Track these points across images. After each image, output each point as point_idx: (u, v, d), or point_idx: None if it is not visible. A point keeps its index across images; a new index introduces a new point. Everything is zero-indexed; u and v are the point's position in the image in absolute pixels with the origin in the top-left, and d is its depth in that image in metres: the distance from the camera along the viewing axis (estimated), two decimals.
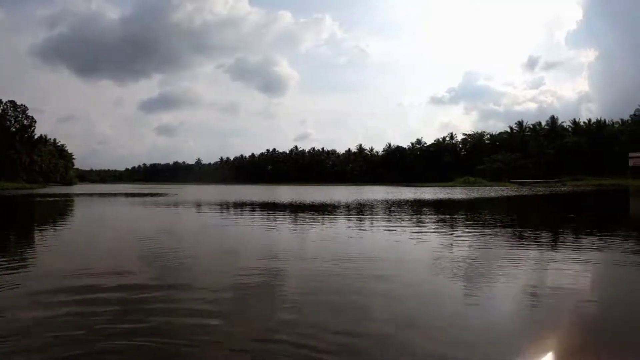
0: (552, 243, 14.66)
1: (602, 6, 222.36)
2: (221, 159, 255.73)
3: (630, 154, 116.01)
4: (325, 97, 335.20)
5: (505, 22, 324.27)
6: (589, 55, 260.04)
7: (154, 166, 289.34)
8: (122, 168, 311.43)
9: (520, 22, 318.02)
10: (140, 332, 5.72)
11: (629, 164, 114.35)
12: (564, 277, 9.20)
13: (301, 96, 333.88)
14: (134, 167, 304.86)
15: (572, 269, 9.96)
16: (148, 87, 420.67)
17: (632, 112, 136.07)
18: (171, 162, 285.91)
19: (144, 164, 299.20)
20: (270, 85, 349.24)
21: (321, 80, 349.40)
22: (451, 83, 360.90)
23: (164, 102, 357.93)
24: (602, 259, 11.43)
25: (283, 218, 24.15)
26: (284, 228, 19.10)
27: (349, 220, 22.71)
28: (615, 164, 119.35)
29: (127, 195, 61.03)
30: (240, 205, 35.24)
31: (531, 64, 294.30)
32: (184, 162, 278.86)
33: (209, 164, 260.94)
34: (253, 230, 18.69)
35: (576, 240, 15.36)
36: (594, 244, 13.83)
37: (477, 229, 18.33)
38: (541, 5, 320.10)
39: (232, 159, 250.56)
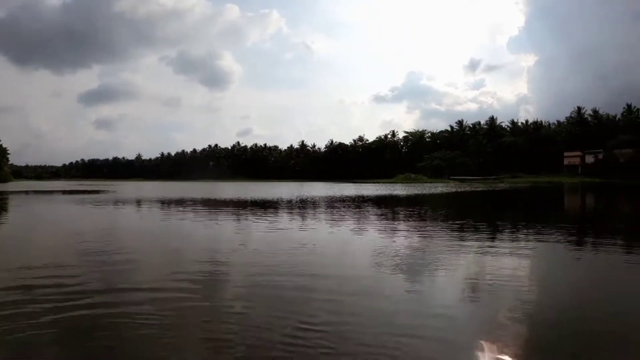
0: (491, 236, 15.03)
1: (543, 14, 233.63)
2: (162, 154, 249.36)
3: (566, 154, 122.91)
4: (269, 93, 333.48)
5: (450, 25, 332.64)
6: (528, 60, 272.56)
7: (93, 162, 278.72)
8: (59, 164, 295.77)
9: (465, 26, 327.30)
10: (77, 335, 5.59)
11: (564, 163, 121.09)
12: (502, 268, 9.55)
13: (245, 91, 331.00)
14: (71, 163, 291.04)
15: (509, 260, 10.43)
16: (87, 78, 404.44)
17: (567, 114, 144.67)
18: (110, 158, 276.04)
19: (82, 160, 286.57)
20: (214, 79, 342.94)
21: (265, 75, 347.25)
22: (395, 82, 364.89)
23: (103, 95, 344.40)
24: (538, 251, 11.93)
25: (225, 215, 23.65)
26: (226, 225, 18.76)
27: (291, 216, 22.63)
28: (551, 163, 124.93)
29: (64, 192, 58.00)
30: (181, 203, 34.28)
31: (473, 66, 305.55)
32: (123, 158, 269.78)
33: (150, 159, 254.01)
34: (196, 228, 18.16)
35: (513, 233, 15.86)
36: (529, 236, 14.54)
37: (418, 223, 18.62)
38: (485, 11, 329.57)
39: (173, 154, 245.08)
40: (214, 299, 7.38)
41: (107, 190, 60.81)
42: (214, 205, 31.94)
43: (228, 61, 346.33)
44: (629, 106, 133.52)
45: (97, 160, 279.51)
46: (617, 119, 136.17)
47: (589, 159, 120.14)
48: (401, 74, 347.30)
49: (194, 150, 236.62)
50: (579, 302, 7.36)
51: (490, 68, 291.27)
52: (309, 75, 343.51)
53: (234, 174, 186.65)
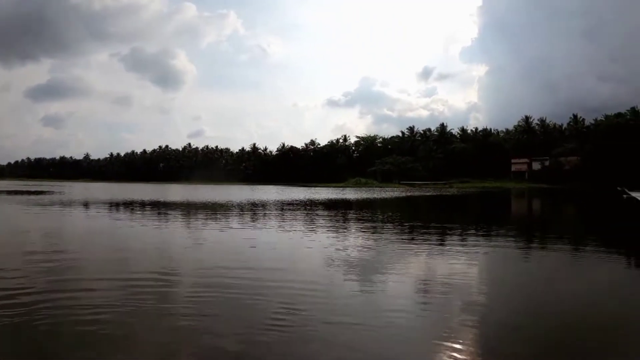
0: (441, 239, 15.31)
1: (496, 27, 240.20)
2: (111, 154, 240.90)
3: (513, 160, 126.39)
4: (222, 94, 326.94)
5: (406, 33, 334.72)
6: (479, 70, 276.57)
7: (39, 161, 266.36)
8: (4, 162, 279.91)
9: (420, 35, 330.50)
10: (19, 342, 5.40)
11: (512, 169, 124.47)
12: (453, 270, 9.81)
13: (197, 92, 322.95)
14: (17, 162, 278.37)
15: (460, 262, 10.77)
16: (37, 72, 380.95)
17: (515, 123, 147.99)
18: (57, 157, 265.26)
19: (28, 158, 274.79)
20: (166, 78, 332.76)
21: (219, 76, 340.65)
22: (348, 87, 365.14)
23: (52, 90, 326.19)
24: (487, 252, 12.34)
25: (174, 218, 23.02)
26: (175, 229, 18.35)
27: (242, 220, 22.18)
28: (499, 169, 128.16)
29: (9, 192, 54.76)
30: (130, 205, 33.06)
31: (426, 74, 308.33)
32: (71, 157, 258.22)
33: (98, 159, 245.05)
34: (145, 232, 17.19)
35: (463, 236, 16.21)
36: (479, 239, 15.06)
37: (368, 227, 18.66)
38: (440, 21, 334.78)
39: (122, 155, 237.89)
40: (161, 301, 7.18)
41: (53, 191, 58.23)
42: (163, 208, 30.69)
43: (182, 61, 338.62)
44: (574, 116, 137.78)
45: (44, 159, 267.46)
46: (563, 128, 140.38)
47: (536, 165, 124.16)
48: (355, 80, 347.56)
49: (144, 151, 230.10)
50: (528, 301, 7.68)
51: (442, 76, 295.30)
52: (263, 77, 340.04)
53: (184, 176, 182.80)
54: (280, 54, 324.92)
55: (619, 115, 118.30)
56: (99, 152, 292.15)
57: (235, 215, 24.63)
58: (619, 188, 72.66)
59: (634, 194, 49.77)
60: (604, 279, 9.65)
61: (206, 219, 22.75)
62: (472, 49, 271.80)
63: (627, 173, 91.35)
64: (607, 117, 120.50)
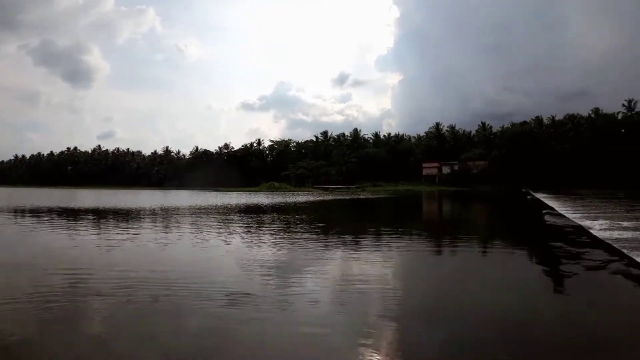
0: (354, 241, 16.03)
1: (411, 38, 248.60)
2: (15, 156, 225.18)
3: (424, 164, 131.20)
4: (135, 94, 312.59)
5: (323, 40, 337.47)
6: (394, 78, 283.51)
7: None
8: None
9: (337, 42, 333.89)
10: None
11: (423, 173, 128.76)
12: (366, 269, 10.42)
13: (109, 91, 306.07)
14: None
15: (373, 261, 11.38)
16: None
17: (426, 129, 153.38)
18: None
19: None
20: (77, 75, 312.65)
21: (133, 75, 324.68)
22: (264, 91, 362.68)
23: None
24: (401, 252, 13.06)
25: (85, 226, 21.46)
26: (86, 237, 17.18)
27: (154, 227, 21.43)
28: (410, 173, 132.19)
29: None
30: (36, 212, 30.59)
31: (341, 80, 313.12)
32: None
33: (2, 162, 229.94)
34: (53, 241, 16.18)
35: (376, 238, 16.99)
36: (392, 240, 15.77)
37: (283, 232, 18.84)
38: (358, 29, 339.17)
39: (28, 157, 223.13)
40: (66, 317, 6.87)
41: None
42: (71, 215, 28.60)
43: (95, 57, 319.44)
44: (483, 124, 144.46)
45: None
46: (471, 134, 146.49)
47: (446, 169, 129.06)
48: (271, 84, 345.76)
49: (52, 153, 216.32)
50: (442, 296, 8.28)
51: (357, 83, 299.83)
52: (179, 78, 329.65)
53: (95, 180, 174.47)
54: (197, 55, 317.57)
55: (524, 123, 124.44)
56: (1, 154, 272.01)
57: (148, 223, 23.54)
58: (523, 190, 76.36)
59: (537, 195, 52.02)
60: (510, 275, 10.55)
61: (117, 226, 21.18)
62: (387, 57, 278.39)
63: (531, 176, 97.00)
64: (513, 124, 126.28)
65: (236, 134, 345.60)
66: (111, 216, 27.40)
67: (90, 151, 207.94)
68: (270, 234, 18.03)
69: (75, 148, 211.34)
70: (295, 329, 6.33)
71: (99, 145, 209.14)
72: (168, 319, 6.83)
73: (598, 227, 18.56)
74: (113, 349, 5.64)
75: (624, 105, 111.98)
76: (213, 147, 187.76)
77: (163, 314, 7.03)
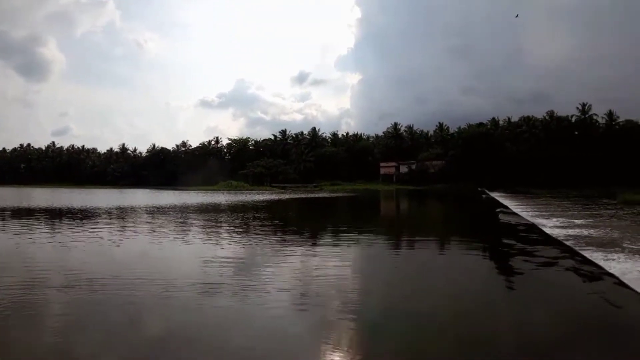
0: (312, 239, 16.27)
1: (372, 39, 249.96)
2: None
3: (382, 164, 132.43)
4: (92, 89, 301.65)
5: (284, 39, 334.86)
6: (353, 78, 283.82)
7: None
8: None
9: (298, 41, 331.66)
10: None
11: (381, 172, 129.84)
12: (325, 267, 10.43)
13: (65, 85, 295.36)
14: None
15: (332, 259, 11.44)
16: None
17: (384, 129, 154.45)
18: None
19: None
20: (32, 68, 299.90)
21: (91, 69, 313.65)
22: (222, 88, 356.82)
23: None
24: (360, 251, 13.20)
25: (38, 226, 20.51)
26: (39, 238, 16.45)
27: (111, 227, 20.44)
28: (368, 172, 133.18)
29: None
30: None
31: (301, 79, 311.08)
32: None
33: None
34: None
35: (335, 236, 17.16)
36: (350, 238, 16.07)
37: (242, 231, 18.72)
38: (319, 29, 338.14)
39: None
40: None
41: None
42: (23, 215, 27.25)
43: (51, 49, 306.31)
44: (440, 124, 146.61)
45: None
46: (429, 135, 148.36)
47: (403, 169, 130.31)
48: (230, 81, 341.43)
49: (4, 149, 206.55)
50: (399, 293, 8.45)
51: (317, 82, 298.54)
52: (137, 74, 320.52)
53: (49, 178, 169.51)
54: (156, 51, 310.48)
55: (480, 124, 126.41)
56: None
57: (106, 223, 22.58)
58: (479, 189, 77.54)
59: (493, 194, 52.85)
60: (462, 271, 10.64)
61: (73, 227, 20.32)
62: (347, 57, 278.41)
63: (487, 176, 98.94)
64: (470, 125, 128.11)
65: (194, 132, 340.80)
66: (66, 217, 26.58)
67: (44, 148, 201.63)
68: (229, 233, 17.98)
69: (29, 145, 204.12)
70: (252, 321, 6.61)
71: (54, 142, 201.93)
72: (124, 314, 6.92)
73: (551, 225, 18.86)
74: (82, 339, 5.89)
75: (578, 108, 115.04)
76: (170, 145, 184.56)
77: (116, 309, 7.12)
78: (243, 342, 5.80)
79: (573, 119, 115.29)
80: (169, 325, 6.55)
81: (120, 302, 7.61)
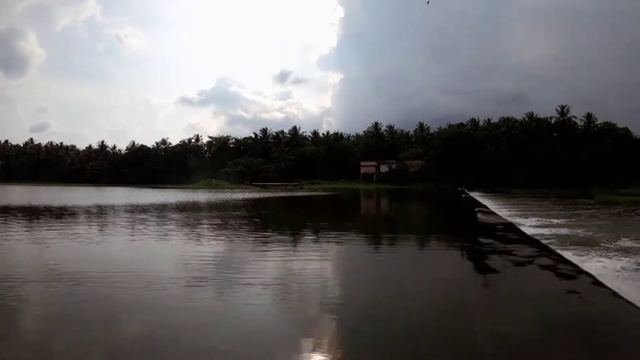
0: (293, 238, 16.25)
1: (354, 39, 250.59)
2: None
3: (362, 163, 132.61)
4: (72, 85, 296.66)
5: (266, 37, 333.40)
6: (335, 77, 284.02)
7: None
8: None
9: (280, 39, 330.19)
10: None
11: (361, 171, 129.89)
12: (306, 265, 10.44)
13: (44, 80, 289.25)
14: None
15: (313, 258, 11.53)
16: None
17: (365, 129, 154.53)
18: None
19: None
20: (11, 62, 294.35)
21: (71, 65, 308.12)
22: (203, 86, 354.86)
23: None
24: (339, 249, 13.20)
25: (13, 226, 19.91)
26: (18, 236, 16.20)
27: (90, 227, 20.08)
28: (349, 171, 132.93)
29: None
30: None
31: (282, 77, 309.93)
32: None
33: None
34: None
35: (315, 234, 17.26)
36: (330, 237, 16.25)
37: (223, 230, 18.62)
38: (301, 28, 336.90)
39: None
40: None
41: None
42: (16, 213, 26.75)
43: (31, 43, 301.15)
44: (420, 124, 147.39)
45: None
46: (409, 134, 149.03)
47: (384, 168, 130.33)
48: (211, 79, 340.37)
49: None
50: (381, 291, 8.46)
51: (298, 81, 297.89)
52: (117, 70, 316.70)
53: (26, 175, 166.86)
54: (137, 46, 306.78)
55: (460, 125, 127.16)
56: None
57: (86, 222, 22.25)
58: (459, 188, 78.06)
59: (472, 194, 53.20)
60: (440, 269, 10.89)
61: (52, 226, 19.80)
62: (329, 57, 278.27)
63: (467, 175, 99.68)
64: (450, 126, 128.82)
65: (174, 129, 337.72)
66: (43, 215, 26.22)
67: (22, 145, 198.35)
68: (210, 232, 18.00)
69: (7, 141, 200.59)
70: (233, 313, 6.86)
71: (32, 139, 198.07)
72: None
73: (529, 225, 18.98)
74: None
75: (557, 110, 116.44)
76: (150, 143, 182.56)
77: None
78: (225, 337, 5.95)
79: (552, 121, 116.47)
80: (151, 319, 6.63)
81: (98, 297, 7.64)
